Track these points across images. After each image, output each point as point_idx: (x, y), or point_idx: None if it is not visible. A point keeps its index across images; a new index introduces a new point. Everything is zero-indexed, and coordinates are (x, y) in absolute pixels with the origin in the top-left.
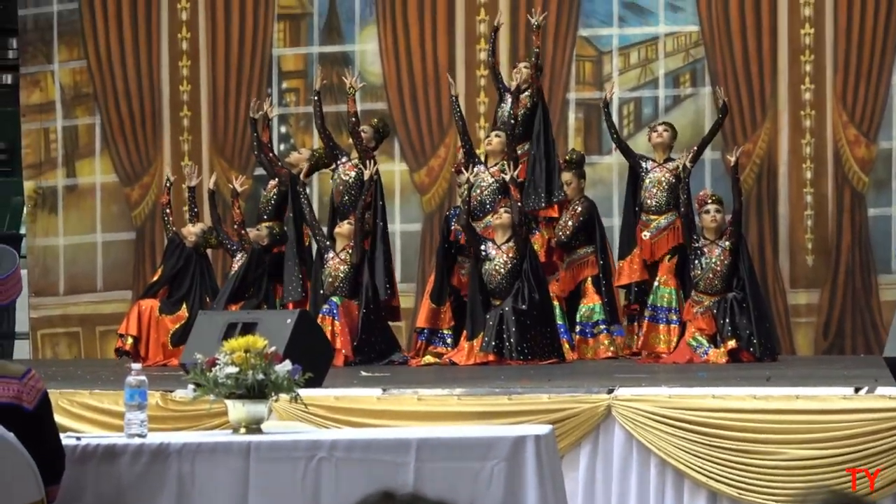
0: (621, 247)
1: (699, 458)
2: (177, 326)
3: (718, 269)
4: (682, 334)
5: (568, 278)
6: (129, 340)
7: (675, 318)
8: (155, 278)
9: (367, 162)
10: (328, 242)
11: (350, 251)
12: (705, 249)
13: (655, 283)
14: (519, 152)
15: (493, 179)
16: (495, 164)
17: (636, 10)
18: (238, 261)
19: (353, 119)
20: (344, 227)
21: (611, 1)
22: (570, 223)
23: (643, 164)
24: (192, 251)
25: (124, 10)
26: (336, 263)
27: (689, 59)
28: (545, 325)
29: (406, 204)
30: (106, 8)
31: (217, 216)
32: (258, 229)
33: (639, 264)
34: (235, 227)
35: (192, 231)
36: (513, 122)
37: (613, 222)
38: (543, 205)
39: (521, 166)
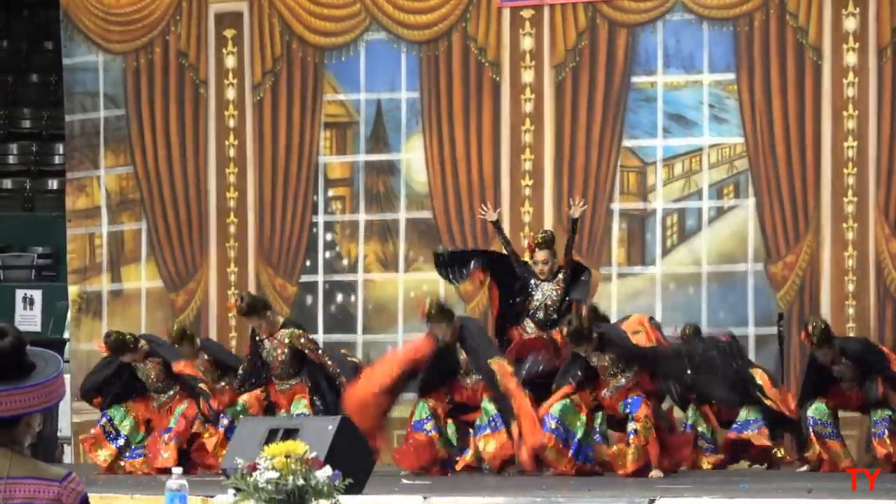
0: None
1: None
2: None
3: None
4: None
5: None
6: None
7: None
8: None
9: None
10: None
11: None
12: None
13: None
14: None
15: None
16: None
17: (681, 122)
18: None
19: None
20: None
21: (655, 112)
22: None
23: None
24: None
25: (171, 117)
26: None
27: (732, 170)
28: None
29: None
30: (153, 114)
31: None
32: None
33: None
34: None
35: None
36: (549, 309)
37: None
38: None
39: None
